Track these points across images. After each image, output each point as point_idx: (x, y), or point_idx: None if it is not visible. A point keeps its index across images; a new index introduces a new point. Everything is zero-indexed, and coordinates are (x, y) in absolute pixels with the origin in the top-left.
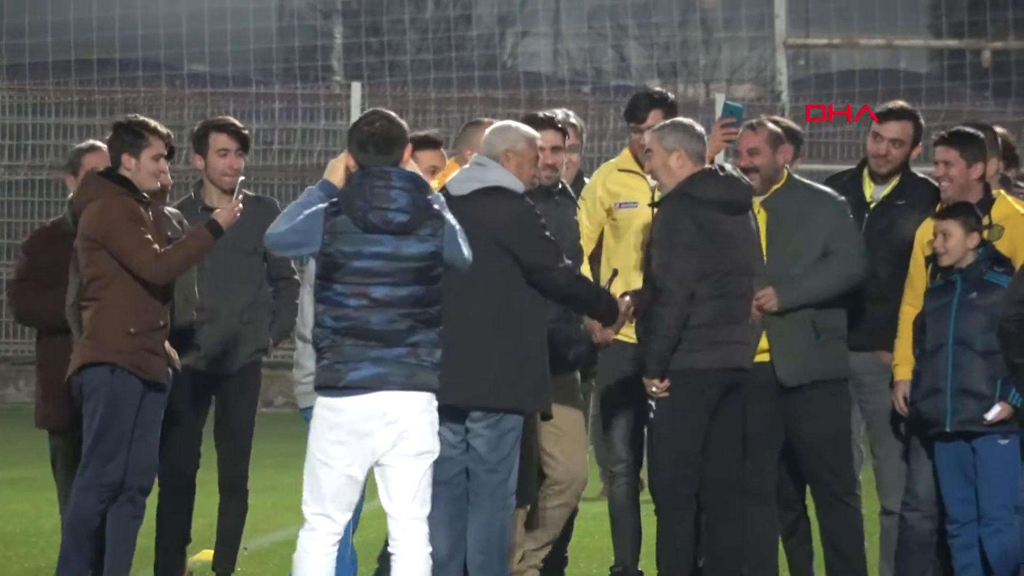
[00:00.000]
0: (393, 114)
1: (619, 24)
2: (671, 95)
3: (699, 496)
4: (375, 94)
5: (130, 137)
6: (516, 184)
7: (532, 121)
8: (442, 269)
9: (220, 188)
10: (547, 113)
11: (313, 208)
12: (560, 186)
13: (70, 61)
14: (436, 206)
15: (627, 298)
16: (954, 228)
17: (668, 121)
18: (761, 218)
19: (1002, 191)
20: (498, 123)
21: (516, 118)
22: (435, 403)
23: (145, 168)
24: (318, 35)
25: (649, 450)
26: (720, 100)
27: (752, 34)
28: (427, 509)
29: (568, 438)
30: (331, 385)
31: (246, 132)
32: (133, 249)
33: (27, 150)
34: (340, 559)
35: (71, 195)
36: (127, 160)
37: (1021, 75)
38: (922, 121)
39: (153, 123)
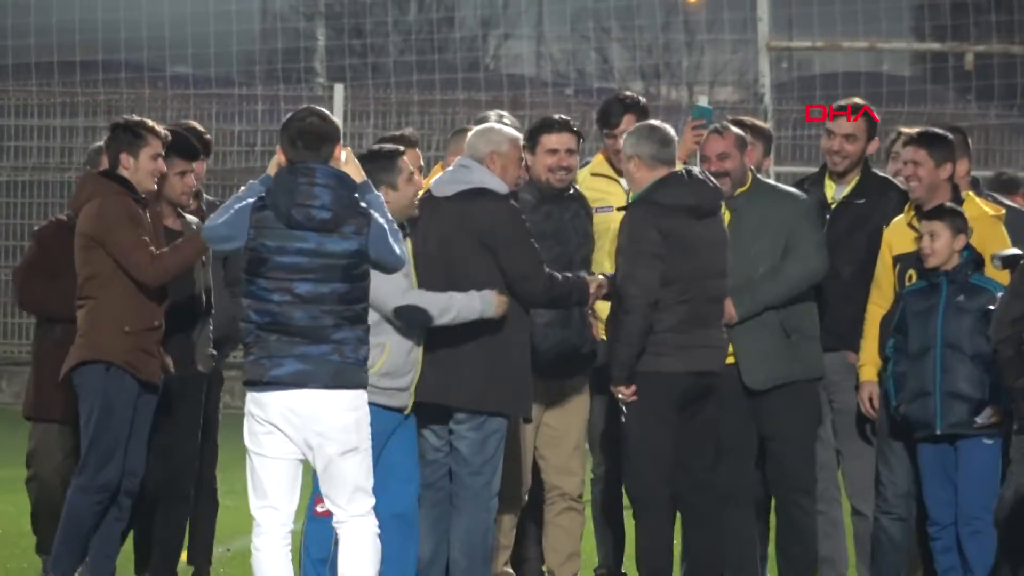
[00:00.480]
0: (327, 112)
1: (602, 26)
2: (643, 99)
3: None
4: (357, 96)
5: (128, 137)
6: (500, 186)
7: (547, 124)
8: (367, 267)
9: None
10: (562, 116)
11: (243, 202)
12: (572, 190)
13: (53, 63)
14: (362, 204)
15: (601, 277)
16: (941, 230)
17: (633, 126)
18: (725, 218)
19: (971, 192)
20: (482, 125)
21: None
22: (363, 398)
23: (143, 168)
24: (301, 37)
25: (623, 455)
26: (703, 101)
27: (735, 37)
28: (370, 502)
29: (565, 443)
30: (256, 380)
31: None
32: (129, 249)
33: (9, 151)
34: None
35: None
36: (125, 160)
37: (1004, 78)
38: (876, 116)
39: (151, 123)
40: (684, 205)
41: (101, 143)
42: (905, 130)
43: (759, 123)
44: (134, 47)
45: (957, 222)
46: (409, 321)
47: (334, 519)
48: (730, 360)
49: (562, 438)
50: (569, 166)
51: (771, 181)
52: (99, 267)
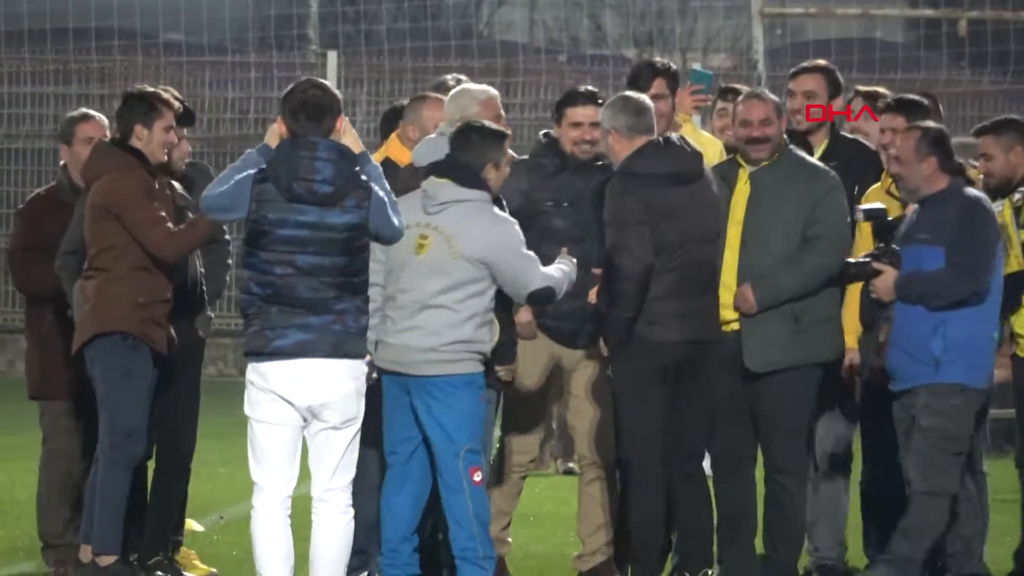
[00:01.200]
0: (328, 84)
1: None
2: (674, 65)
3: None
4: (351, 63)
5: (142, 108)
6: None
7: (572, 97)
8: (368, 239)
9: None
10: (589, 88)
11: (244, 173)
12: (600, 160)
13: (46, 30)
14: (363, 177)
15: (597, 271)
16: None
17: (609, 100)
18: (744, 191)
19: (971, 161)
20: (456, 88)
21: (492, 87)
22: (363, 369)
23: (156, 139)
24: (294, 4)
25: (616, 425)
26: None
27: (728, 3)
28: (349, 477)
29: (590, 411)
30: (259, 351)
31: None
32: (148, 224)
33: (2, 119)
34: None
35: (63, 163)
36: (140, 131)
37: (997, 45)
38: (838, 76)
39: (165, 94)
40: (661, 172)
41: (75, 113)
42: (862, 88)
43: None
44: (127, 14)
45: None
46: (539, 301)
47: (313, 493)
48: (734, 327)
49: (587, 406)
50: (592, 139)
51: (801, 153)
52: (114, 239)
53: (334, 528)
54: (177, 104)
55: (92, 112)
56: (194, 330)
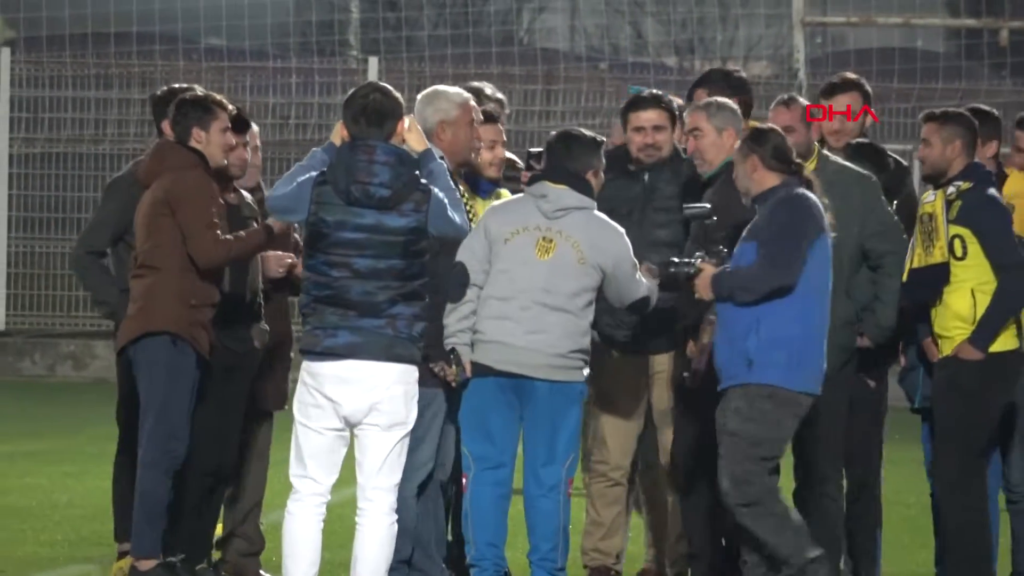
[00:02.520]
0: (390, 88)
1: (635, 0)
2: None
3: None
4: (392, 69)
5: (199, 111)
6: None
7: (634, 102)
8: (427, 243)
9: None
10: (654, 92)
11: (307, 175)
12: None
13: (87, 34)
14: (424, 180)
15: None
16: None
17: (714, 100)
18: None
19: (1013, 169)
20: (428, 90)
21: (533, 94)
22: (414, 375)
23: (215, 142)
24: (335, 9)
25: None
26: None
27: (769, 11)
28: (395, 479)
29: (616, 421)
30: (310, 350)
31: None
32: (201, 227)
33: (44, 123)
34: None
35: None
36: (197, 134)
37: None
38: (868, 88)
39: (218, 96)
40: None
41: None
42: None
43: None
44: (168, 19)
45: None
46: (637, 310)
47: (359, 495)
48: None
49: (613, 417)
50: (655, 143)
51: (840, 160)
52: (166, 236)
53: (377, 529)
54: (231, 107)
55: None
56: (249, 339)
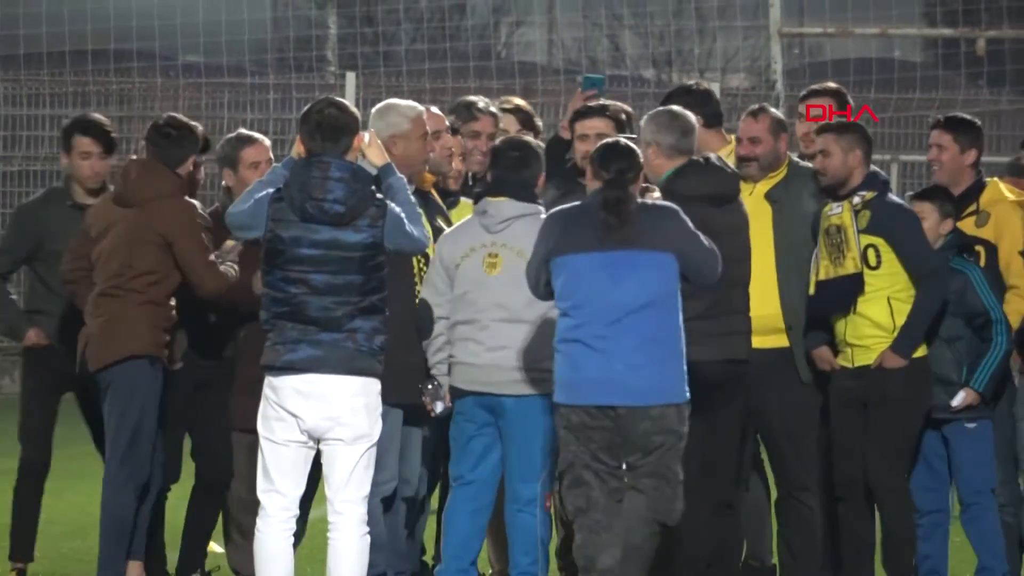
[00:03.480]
0: (346, 103)
1: (614, 13)
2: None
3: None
4: (369, 84)
5: (195, 141)
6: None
7: (580, 111)
8: (384, 258)
9: (85, 188)
10: (602, 102)
11: (264, 192)
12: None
13: (65, 52)
14: (379, 195)
15: None
16: (930, 212)
17: (653, 112)
18: (767, 211)
19: (995, 179)
20: (382, 104)
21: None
22: (376, 387)
23: (196, 171)
24: (312, 25)
25: None
26: (715, 88)
27: (747, 23)
28: (363, 492)
29: None
30: (271, 364)
31: (112, 135)
32: (204, 260)
33: (21, 141)
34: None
35: (225, 185)
36: (189, 163)
37: (1016, 64)
38: (847, 97)
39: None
40: (701, 193)
41: (237, 135)
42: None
43: (778, 114)
44: (146, 36)
45: (946, 207)
46: None
47: (329, 509)
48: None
49: None
50: None
51: (805, 164)
52: (155, 265)
53: (349, 542)
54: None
55: (256, 135)
56: (222, 354)
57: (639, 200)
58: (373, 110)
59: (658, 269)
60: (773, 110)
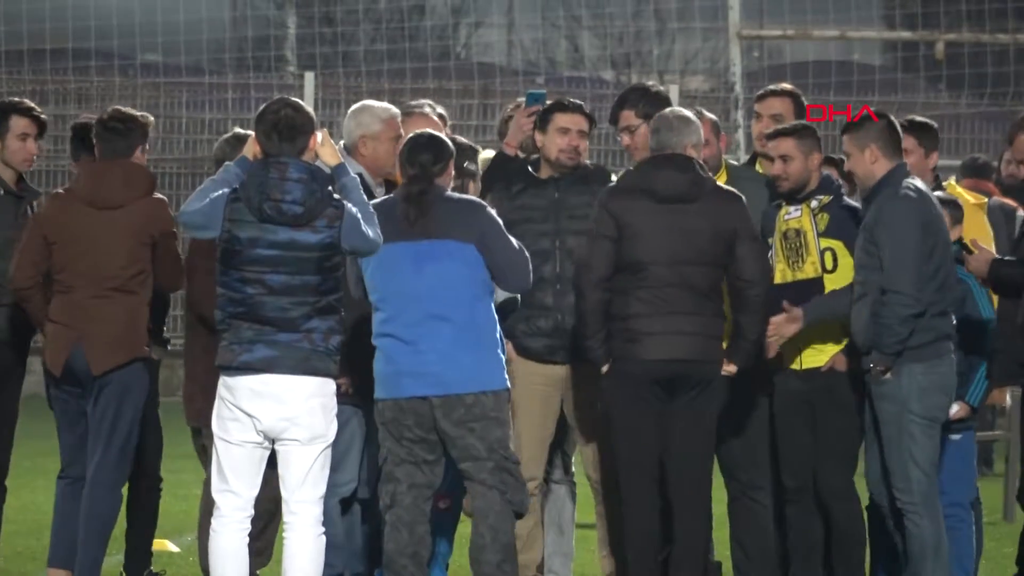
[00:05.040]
0: (301, 103)
1: (572, 15)
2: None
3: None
4: (328, 84)
5: (142, 130)
6: (370, 181)
7: (560, 105)
8: (340, 258)
9: (16, 172)
10: (575, 100)
11: (219, 192)
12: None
13: (23, 51)
14: (336, 196)
15: None
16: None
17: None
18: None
19: (951, 181)
20: (356, 105)
21: (470, 108)
22: (331, 387)
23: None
24: (271, 25)
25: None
26: (674, 91)
27: (706, 25)
28: (319, 492)
29: (528, 431)
30: (227, 365)
31: (44, 117)
32: (175, 256)
33: None
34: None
35: None
36: (140, 156)
37: (975, 67)
38: (803, 100)
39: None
40: (642, 187)
41: (234, 135)
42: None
43: (709, 115)
44: (104, 35)
45: (956, 214)
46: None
47: (284, 509)
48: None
49: (593, 432)
50: (579, 146)
51: (744, 166)
52: (144, 265)
53: (304, 541)
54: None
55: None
56: (153, 350)
57: (445, 192)
58: (349, 110)
59: (460, 259)
60: (708, 113)
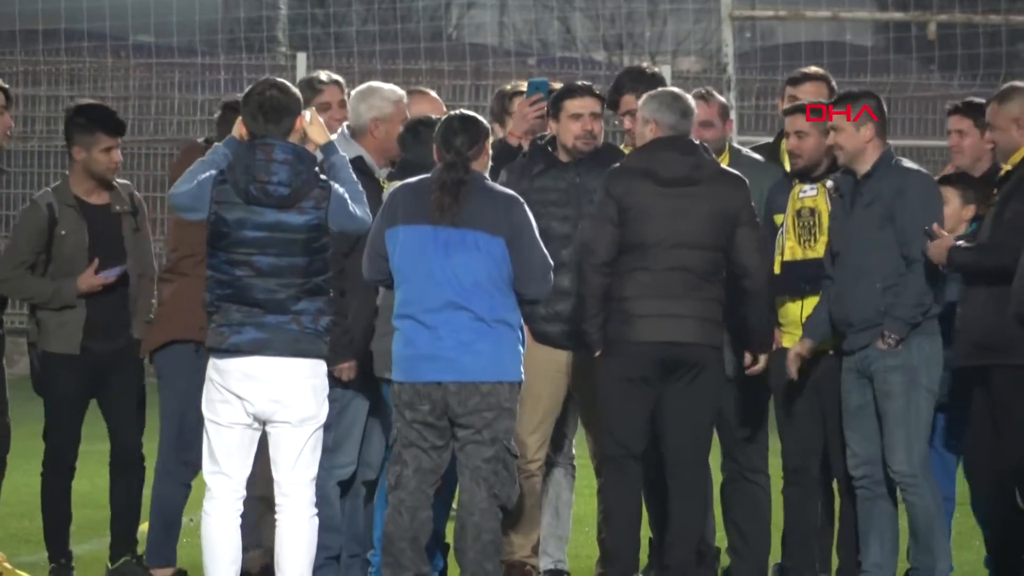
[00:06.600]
0: (288, 84)
1: None
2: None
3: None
4: (320, 65)
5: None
6: (371, 163)
7: (569, 90)
8: (329, 239)
9: None
10: (584, 82)
11: (207, 174)
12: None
13: (15, 31)
14: (323, 176)
15: None
16: (952, 196)
17: (654, 92)
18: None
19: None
20: (363, 86)
21: (462, 89)
22: (322, 369)
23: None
24: (263, 6)
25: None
26: (666, 72)
27: (698, 6)
28: (311, 474)
29: (533, 413)
30: (216, 347)
31: (6, 87)
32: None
33: None
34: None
35: None
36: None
37: (967, 48)
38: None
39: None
40: (644, 169)
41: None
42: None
43: (720, 97)
44: (97, 16)
45: (968, 193)
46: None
47: (276, 491)
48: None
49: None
50: (593, 130)
51: (752, 154)
52: (196, 247)
53: (297, 523)
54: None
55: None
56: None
57: (484, 182)
58: (354, 92)
59: (487, 251)
60: (718, 95)
